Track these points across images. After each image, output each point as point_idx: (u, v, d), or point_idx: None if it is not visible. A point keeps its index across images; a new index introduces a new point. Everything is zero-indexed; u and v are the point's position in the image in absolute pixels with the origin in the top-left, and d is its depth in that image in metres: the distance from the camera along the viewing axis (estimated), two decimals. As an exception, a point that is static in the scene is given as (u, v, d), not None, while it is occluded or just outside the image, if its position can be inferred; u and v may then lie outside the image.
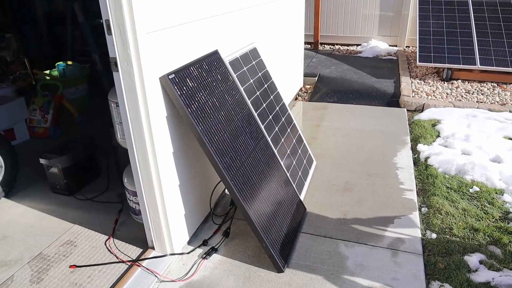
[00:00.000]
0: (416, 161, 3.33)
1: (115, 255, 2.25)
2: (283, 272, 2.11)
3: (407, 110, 4.56)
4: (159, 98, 1.92)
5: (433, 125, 4.01)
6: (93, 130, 4.10)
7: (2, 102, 3.47)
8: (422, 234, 2.43)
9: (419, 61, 5.23)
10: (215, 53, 2.40)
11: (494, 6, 5.63)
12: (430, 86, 5.06)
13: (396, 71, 5.79)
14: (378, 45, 7.04)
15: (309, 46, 7.48)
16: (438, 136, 3.76)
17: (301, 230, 2.47)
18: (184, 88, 1.99)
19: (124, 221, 2.57)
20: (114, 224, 2.53)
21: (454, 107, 4.47)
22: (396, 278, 2.06)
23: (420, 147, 3.50)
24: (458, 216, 2.58)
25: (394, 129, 3.96)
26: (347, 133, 3.91)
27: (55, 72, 4.55)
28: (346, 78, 5.55)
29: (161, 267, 2.15)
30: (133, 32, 1.69)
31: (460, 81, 5.15)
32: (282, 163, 2.63)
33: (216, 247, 2.31)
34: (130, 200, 2.48)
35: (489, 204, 2.70)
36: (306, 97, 5.08)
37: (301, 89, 5.31)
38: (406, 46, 7.22)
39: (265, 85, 2.96)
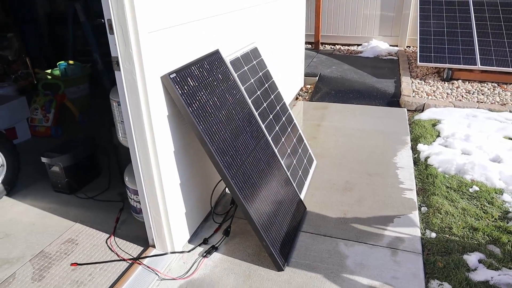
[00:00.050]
0: (416, 161, 3.34)
1: (116, 253, 2.27)
2: (283, 270, 2.12)
3: (408, 110, 4.57)
4: (160, 97, 1.93)
5: (433, 125, 4.02)
6: (94, 129, 4.12)
7: (4, 101, 3.49)
8: (421, 233, 2.44)
9: (419, 61, 5.24)
10: (216, 53, 2.41)
11: (495, 6, 5.63)
12: (430, 86, 5.07)
13: (396, 71, 5.80)
14: (379, 45, 7.04)
15: (310, 46, 7.49)
16: (438, 136, 3.77)
17: (301, 229, 2.48)
18: (186, 87, 2.00)
19: (125, 220, 2.59)
20: (115, 223, 2.54)
21: (454, 107, 4.47)
22: (396, 276, 2.07)
23: (420, 147, 3.51)
24: (457, 215, 2.59)
25: (395, 129, 3.97)
26: (347, 132, 3.92)
27: (56, 72, 4.57)
28: (346, 78, 5.55)
29: (161, 265, 2.16)
30: (135, 31, 1.70)
31: (460, 81, 5.16)
32: (282, 163, 2.64)
33: (216, 245, 2.32)
34: (131, 199, 2.49)
35: (488, 203, 2.71)
36: (307, 97, 5.09)
37: (301, 89, 5.32)
38: (407, 46, 7.22)
39: (266, 85, 2.97)
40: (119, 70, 1.80)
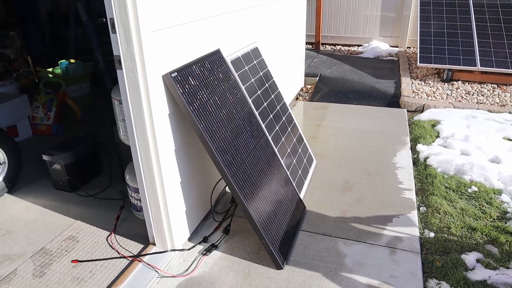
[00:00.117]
0: (415, 161, 3.35)
1: (117, 251, 2.28)
2: (282, 269, 2.14)
3: (407, 110, 4.58)
4: (161, 96, 1.95)
5: (433, 126, 4.03)
6: (95, 127, 4.13)
7: (5, 99, 3.51)
8: (420, 233, 2.45)
9: (419, 62, 5.26)
10: (217, 52, 2.43)
11: (495, 8, 5.65)
12: (430, 87, 5.08)
13: (396, 72, 5.81)
14: (379, 45, 7.06)
15: (311, 46, 7.50)
16: (438, 136, 3.78)
17: (300, 228, 2.49)
18: (187, 86, 2.02)
19: (126, 218, 2.60)
20: (116, 220, 2.56)
21: (454, 108, 4.49)
22: (394, 275, 2.09)
23: (420, 147, 3.52)
24: (456, 215, 2.60)
25: (394, 129, 3.98)
26: (347, 133, 3.93)
27: (58, 70, 4.58)
28: (347, 79, 5.57)
29: (161, 263, 2.18)
30: (137, 30, 1.72)
31: (460, 82, 5.17)
32: (282, 162, 2.66)
33: (216, 244, 2.34)
34: (131, 197, 2.51)
35: (487, 204, 2.73)
36: (307, 97, 5.11)
37: (302, 89, 5.34)
38: (407, 47, 7.24)
39: (266, 85, 2.99)
40: (121, 68, 1.81)
